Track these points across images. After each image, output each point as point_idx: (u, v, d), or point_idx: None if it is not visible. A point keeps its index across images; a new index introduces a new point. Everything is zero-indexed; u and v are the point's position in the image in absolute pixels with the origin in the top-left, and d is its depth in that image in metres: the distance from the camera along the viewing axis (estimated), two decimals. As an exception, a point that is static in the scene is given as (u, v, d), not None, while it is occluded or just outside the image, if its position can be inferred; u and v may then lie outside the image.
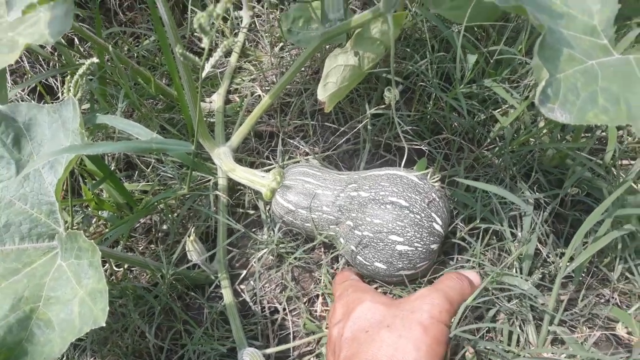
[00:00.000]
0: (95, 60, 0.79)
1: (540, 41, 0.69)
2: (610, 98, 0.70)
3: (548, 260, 1.03)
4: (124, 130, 0.83)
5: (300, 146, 1.21)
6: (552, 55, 0.72)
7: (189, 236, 0.98)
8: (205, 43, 0.60)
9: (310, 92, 1.26)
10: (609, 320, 1.03)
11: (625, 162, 1.17)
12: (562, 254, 1.04)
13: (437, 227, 0.95)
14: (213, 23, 0.59)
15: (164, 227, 1.16)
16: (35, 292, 0.73)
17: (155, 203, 1.03)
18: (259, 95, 1.26)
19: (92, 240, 0.70)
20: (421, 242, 0.93)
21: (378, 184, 0.96)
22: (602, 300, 1.05)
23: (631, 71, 0.74)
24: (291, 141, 1.23)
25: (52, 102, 1.33)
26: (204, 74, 0.66)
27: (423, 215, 0.93)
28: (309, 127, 1.20)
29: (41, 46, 1.28)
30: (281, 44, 1.41)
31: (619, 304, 1.04)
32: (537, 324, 0.99)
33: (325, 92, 0.90)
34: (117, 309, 1.03)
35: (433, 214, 0.94)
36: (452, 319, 0.81)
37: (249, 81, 1.39)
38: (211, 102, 1.33)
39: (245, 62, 1.43)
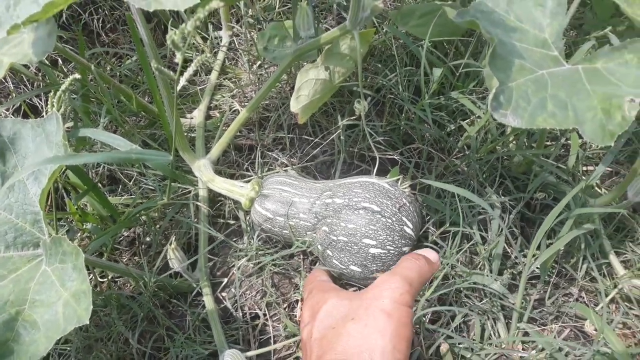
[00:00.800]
0: (77, 76, 0.84)
1: (491, 52, 0.75)
2: (559, 104, 0.76)
3: (517, 262, 1.08)
4: (106, 142, 0.87)
5: (279, 158, 1.26)
6: (504, 66, 0.78)
7: (170, 244, 1.02)
8: (178, 58, 0.65)
9: (287, 106, 1.31)
10: (577, 318, 1.08)
11: (590, 167, 1.23)
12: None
13: (408, 231, 1.00)
14: (186, 39, 0.63)
15: (147, 239, 1.20)
16: (21, 296, 0.76)
17: (138, 215, 1.07)
18: (238, 110, 1.31)
19: (75, 245, 0.74)
20: (393, 245, 0.98)
21: (351, 190, 1.01)
22: (571, 299, 1.10)
23: (578, 79, 0.80)
24: (270, 153, 1.27)
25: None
26: (179, 87, 0.71)
27: (394, 219, 0.98)
28: (286, 139, 1.24)
29: (25, 66, 1.33)
30: (259, 62, 1.47)
31: (587, 302, 1.09)
32: (507, 322, 1.04)
33: (298, 104, 0.95)
34: (101, 319, 1.05)
35: (404, 218, 0.99)
36: (415, 299, 0.83)
37: (229, 97, 1.44)
38: (192, 118, 1.38)
39: (225, 80, 1.48)
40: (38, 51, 0.91)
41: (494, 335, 1.03)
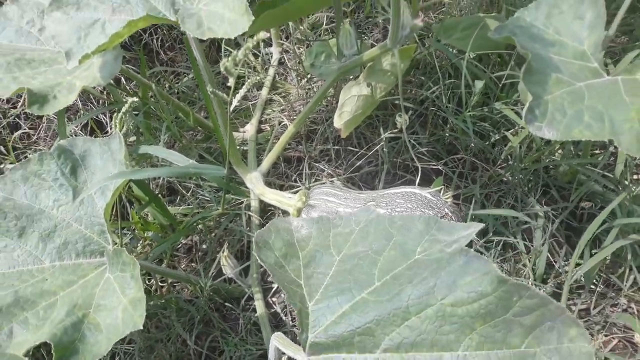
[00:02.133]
0: (135, 99, 0.92)
1: (526, 67, 0.77)
2: (595, 115, 0.77)
3: (561, 271, 1.08)
4: (165, 158, 0.95)
5: (325, 169, 1.31)
6: (540, 79, 0.80)
7: (222, 252, 1.09)
8: (231, 82, 0.71)
9: (333, 120, 1.36)
10: (626, 329, 1.07)
11: (636, 176, 1.21)
12: (575, 264, 1.09)
13: (450, 240, 1.02)
14: (237, 65, 0.69)
15: (203, 246, 1.27)
16: (88, 300, 0.85)
17: (195, 223, 1.15)
18: (287, 125, 1.37)
19: (133, 256, 0.81)
20: (435, 254, 1.01)
21: (394, 201, 1.05)
22: (619, 309, 1.09)
23: (617, 91, 0.81)
24: (317, 165, 1.33)
25: (102, 136, 1.48)
26: (231, 108, 0.77)
27: (436, 228, 1.01)
28: (332, 151, 1.29)
29: (93, 87, 1.44)
30: (308, 77, 1.53)
31: (637, 311, 1.08)
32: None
33: (341, 119, 1.00)
34: (161, 321, 1.13)
35: (446, 228, 1.02)
36: None
37: (279, 112, 1.50)
38: (245, 132, 1.45)
39: (275, 95, 1.55)
40: (105, 74, 1.01)
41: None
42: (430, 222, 0.78)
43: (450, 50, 1.20)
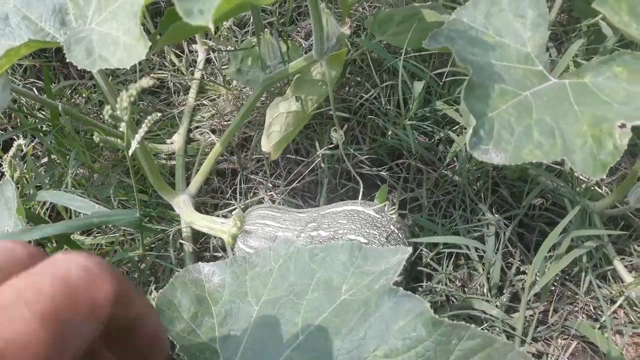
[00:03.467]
0: (22, 142, 0.79)
1: (467, 85, 0.69)
2: (545, 131, 0.70)
3: (517, 279, 1.03)
4: (66, 205, 0.82)
5: (263, 182, 1.21)
6: (482, 94, 0.72)
7: (149, 293, 0.98)
8: (123, 128, 0.59)
9: (260, 123, 1.26)
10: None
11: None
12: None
13: (399, 260, 0.95)
14: (125, 109, 0.58)
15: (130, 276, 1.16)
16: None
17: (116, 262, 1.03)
18: (212, 139, 1.25)
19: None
20: (383, 278, 0.93)
21: (336, 221, 0.96)
22: (577, 309, 1.05)
23: (565, 97, 0.74)
24: (254, 177, 1.22)
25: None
26: (130, 152, 0.66)
27: (382, 250, 0.93)
28: (267, 163, 1.19)
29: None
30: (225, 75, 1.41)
31: (593, 312, 1.04)
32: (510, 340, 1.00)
33: (270, 142, 0.89)
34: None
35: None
36: None
37: (209, 118, 1.38)
38: (172, 143, 1.32)
39: (204, 99, 1.42)
40: (-8, 108, 0.86)
41: None
42: (353, 251, 0.70)
43: (384, 49, 1.10)
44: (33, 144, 1.37)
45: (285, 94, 0.90)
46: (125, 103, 0.52)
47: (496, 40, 0.81)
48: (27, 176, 0.94)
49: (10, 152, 0.80)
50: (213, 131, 1.36)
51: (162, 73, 1.47)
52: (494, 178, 1.13)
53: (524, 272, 1.04)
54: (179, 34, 0.87)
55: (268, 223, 1.01)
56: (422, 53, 1.12)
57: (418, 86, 1.02)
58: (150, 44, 0.67)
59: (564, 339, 1.02)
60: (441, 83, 1.09)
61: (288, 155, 1.23)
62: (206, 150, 1.27)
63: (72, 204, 0.82)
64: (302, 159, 1.20)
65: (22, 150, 0.87)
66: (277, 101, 0.89)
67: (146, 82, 0.49)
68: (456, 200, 1.11)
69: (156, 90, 1.46)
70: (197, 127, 1.38)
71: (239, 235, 1.02)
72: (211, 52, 1.49)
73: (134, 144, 0.64)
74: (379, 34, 1.10)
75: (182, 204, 1.08)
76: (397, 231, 0.96)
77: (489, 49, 0.79)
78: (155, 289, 0.99)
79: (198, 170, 1.11)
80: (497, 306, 0.97)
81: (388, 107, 1.09)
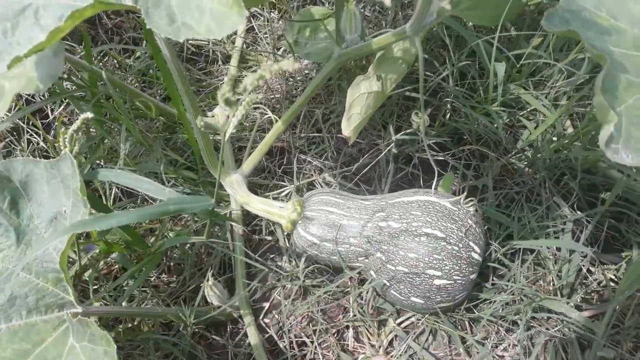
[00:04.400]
0: (89, 115, 0.70)
1: (604, 76, 0.61)
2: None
3: (589, 275, 0.97)
4: (133, 187, 0.75)
5: (315, 162, 1.13)
6: (609, 86, 0.64)
7: (207, 281, 0.92)
8: (230, 114, 0.51)
9: (319, 101, 1.18)
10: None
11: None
12: (603, 267, 0.98)
13: (476, 256, 0.89)
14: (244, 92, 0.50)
15: (175, 255, 1.09)
16: (50, 379, 0.67)
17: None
18: (269, 117, 1.17)
19: (105, 332, 0.63)
20: (460, 275, 0.87)
21: (409, 212, 0.89)
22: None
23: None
24: (304, 157, 1.15)
25: (44, 130, 1.24)
26: (226, 137, 0.58)
27: (461, 245, 0.87)
28: (327, 143, 1.11)
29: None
30: (283, 48, 1.32)
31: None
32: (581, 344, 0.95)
33: (350, 125, 0.82)
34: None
35: (471, 243, 0.88)
36: None
37: (252, 91, 1.29)
38: (213, 117, 1.24)
39: (245, 70, 1.33)
40: (44, 76, 0.78)
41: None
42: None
43: (462, 26, 1.01)
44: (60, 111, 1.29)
45: (366, 74, 0.82)
46: (251, 86, 0.44)
47: (611, 23, 0.73)
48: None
49: (75, 126, 0.71)
50: (255, 107, 1.27)
51: (201, 40, 1.38)
52: (559, 168, 1.06)
53: (590, 271, 0.98)
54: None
55: (332, 210, 0.94)
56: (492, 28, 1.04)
57: (501, 69, 0.94)
58: (246, 12, 0.59)
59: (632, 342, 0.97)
60: (518, 65, 1.01)
61: (339, 135, 1.15)
62: (245, 124, 1.19)
63: (140, 185, 0.74)
64: (357, 141, 1.13)
65: (87, 125, 0.78)
66: (358, 80, 0.81)
67: (289, 64, 0.40)
68: (525, 193, 1.04)
69: (192, 57, 1.37)
70: (239, 101, 1.30)
71: (299, 222, 0.95)
72: (252, 19, 1.39)
73: (231, 128, 0.56)
74: (452, 7, 1.02)
75: (236, 184, 1.01)
76: (474, 226, 0.89)
77: (604, 34, 0.71)
78: (212, 274, 0.92)
79: (253, 148, 1.03)
80: (576, 308, 0.92)
81: (458, 88, 1.01)
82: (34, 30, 0.72)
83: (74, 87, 1.15)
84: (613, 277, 0.99)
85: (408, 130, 0.95)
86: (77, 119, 1.27)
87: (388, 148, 0.98)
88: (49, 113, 1.32)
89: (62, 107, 1.31)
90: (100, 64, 1.30)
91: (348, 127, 0.81)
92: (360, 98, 0.81)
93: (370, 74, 0.81)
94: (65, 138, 0.73)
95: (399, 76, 0.86)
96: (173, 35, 0.62)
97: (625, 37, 0.72)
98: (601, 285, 0.97)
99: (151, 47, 0.82)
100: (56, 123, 1.29)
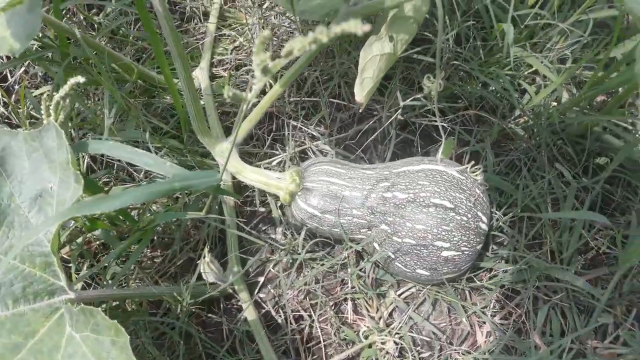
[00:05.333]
0: (80, 79, 0.62)
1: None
2: None
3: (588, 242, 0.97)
4: (129, 161, 0.68)
5: (306, 129, 1.08)
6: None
7: (203, 257, 0.86)
8: (259, 80, 0.45)
9: (311, 64, 1.11)
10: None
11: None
12: (600, 231, 0.98)
13: (483, 226, 0.86)
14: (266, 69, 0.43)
15: (159, 229, 1.02)
16: (49, 374, 0.60)
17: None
18: (242, 65, 1.09)
19: (115, 322, 0.58)
20: (468, 245, 0.85)
21: (416, 182, 0.86)
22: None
23: None
24: (295, 123, 1.09)
25: (5, 92, 1.12)
26: (247, 105, 0.52)
27: (470, 216, 0.84)
28: (326, 114, 1.05)
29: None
30: (267, 3, 1.23)
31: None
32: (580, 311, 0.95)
33: (363, 89, 0.76)
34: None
35: (479, 213, 0.85)
36: None
37: (232, 51, 1.21)
38: (194, 79, 1.15)
39: (224, 27, 1.24)
40: (20, 34, 0.69)
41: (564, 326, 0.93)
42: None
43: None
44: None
45: (379, 34, 0.76)
46: (299, 51, 0.38)
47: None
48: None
49: (62, 92, 0.63)
50: (237, 67, 1.19)
51: (178, -2, 1.27)
52: (557, 133, 1.04)
53: (595, 247, 0.98)
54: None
55: (333, 180, 0.89)
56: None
57: (510, 30, 0.90)
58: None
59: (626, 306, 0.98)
60: (522, 26, 0.97)
61: (332, 100, 1.09)
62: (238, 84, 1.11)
63: (138, 159, 0.67)
64: (347, 104, 1.07)
65: (76, 89, 0.70)
66: (371, 41, 0.75)
67: (357, 25, 0.35)
68: (523, 158, 1.02)
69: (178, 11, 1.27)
70: (220, 62, 1.21)
71: (298, 193, 0.90)
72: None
73: (253, 96, 0.49)
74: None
75: (227, 153, 0.94)
76: (482, 195, 0.87)
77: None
78: (208, 249, 0.86)
79: (245, 115, 0.96)
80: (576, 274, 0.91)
81: (459, 50, 0.97)
82: (7, -19, 0.62)
83: (39, 47, 1.04)
84: (610, 244, 0.99)
85: (418, 95, 0.90)
86: (39, 83, 1.17)
87: (396, 114, 0.93)
88: (8, 76, 1.20)
89: (22, 69, 1.20)
90: (65, 20, 1.18)
91: (361, 92, 0.76)
92: (373, 60, 0.75)
93: (382, 35, 0.75)
94: (49, 106, 0.64)
95: (410, 36, 0.80)
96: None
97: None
98: (600, 252, 0.98)
99: (136, 2, 0.73)
100: (17, 87, 1.18)
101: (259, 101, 0.95)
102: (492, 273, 0.96)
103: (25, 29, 0.69)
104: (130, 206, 1.01)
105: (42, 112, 0.66)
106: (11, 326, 0.65)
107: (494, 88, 0.99)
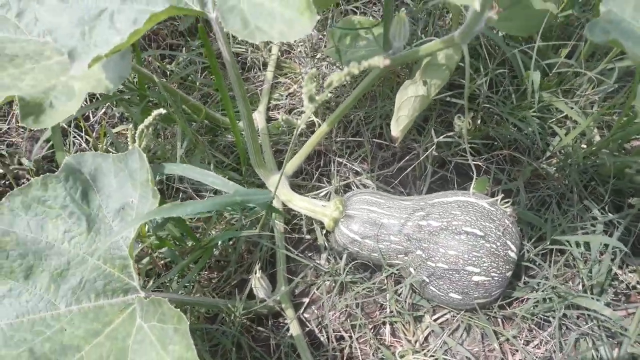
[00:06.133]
0: (162, 111, 0.76)
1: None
2: None
3: (621, 279, 1.01)
4: (199, 181, 0.80)
5: (351, 165, 1.18)
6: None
7: (255, 273, 0.96)
8: (309, 109, 0.56)
9: (354, 107, 1.23)
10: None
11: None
12: (632, 268, 1.02)
13: (512, 255, 0.93)
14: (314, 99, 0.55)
15: (216, 252, 1.13)
16: (120, 357, 0.71)
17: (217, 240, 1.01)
18: (298, 110, 1.22)
19: (178, 310, 0.68)
20: (498, 271, 0.91)
21: (449, 212, 0.94)
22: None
23: None
24: (340, 160, 1.20)
25: (89, 130, 1.30)
26: (298, 130, 0.63)
27: (499, 244, 0.91)
28: (367, 148, 1.16)
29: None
30: (319, 55, 1.37)
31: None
32: (611, 342, 0.98)
33: (399, 125, 0.87)
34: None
35: (508, 242, 0.92)
36: None
37: (287, 97, 1.35)
38: (253, 120, 1.29)
39: (280, 76, 1.39)
40: (113, 76, 0.84)
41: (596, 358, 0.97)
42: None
43: (496, 33, 1.07)
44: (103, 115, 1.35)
45: (413, 79, 0.87)
46: (337, 82, 0.49)
47: (648, 33, 0.78)
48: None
49: (146, 122, 0.77)
50: (290, 110, 1.33)
51: (240, 47, 1.44)
52: (589, 174, 1.11)
53: (624, 281, 1.02)
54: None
55: (372, 209, 0.99)
56: (525, 38, 1.09)
57: (537, 77, 0.99)
58: (317, 17, 0.65)
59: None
60: (550, 74, 1.06)
61: (375, 140, 1.20)
62: (283, 129, 1.24)
63: (206, 179, 0.79)
64: (388, 144, 1.18)
65: (157, 121, 0.83)
66: (406, 85, 0.86)
67: (380, 61, 0.46)
68: (555, 196, 1.09)
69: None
70: (275, 106, 1.35)
71: (341, 220, 1.00)
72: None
73: (302, 124, 0.61)
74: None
75: (279, 184, 1.06)
76: (511, 225, 0.94)
77: (643, 43, 0.76)
78: (260, 267, 0.97)
79: (295, 150, 1.08)
80: (606, 306, 0.96)
81: (493, 95, 1.06)
82: (109, 32, 0.77)
83: (119, 91, 1.21)
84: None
85: (450, 133, 1.00)
86: (116, 122, 1.34)
87: (430, 150, 1.03)
88: (90, 116, 1.38)
89: (102, 110, 1.37)
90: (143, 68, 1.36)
91: (397, 128, 0.87)
92: (408, 101, 0.86)
93: (417, 79, 0.87)
94: (134, 134, 0.78)
95: (442, 81, 0.91)
96: (249, 37, 0.67)
97: (660, 47, 0.77)
98: (630, 286, 1.01)
99: (207, 51, 0.87)
100: (97, 125, 1.35)
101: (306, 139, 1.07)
102: (525, 302, 1.02)
103: (118, 72, 0.83)
104: (194, 227, 1.13)
105: (128, 139, 0.80)
106: (93, 316, 0.76)
107: (525, 131, 1.07)
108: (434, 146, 1.01)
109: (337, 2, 1.30)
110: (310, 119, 1.24)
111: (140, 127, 0.78)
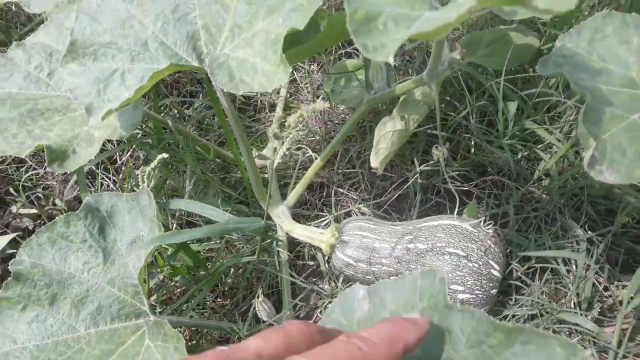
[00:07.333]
0: (165, 155, 0.87)
1: (585, 110, 0.73)
2: (657, 153, 0.74)
3: (605, 292, 1.05)
4: (199, 213, 0.91)
5: (350, 194, 1.27)
6: (595, 117, 0.76)
7: (257, 297, 1.05)
8: (277, 145, 0.66)
9: (354, 140, 1.32)
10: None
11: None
12: (619, 283, 1.07)
13: (495, 273, 0.99)
14: (288, 128, 0.65)
15: (228, 280, 1.23)
16: (130, 374, 0.81)
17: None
18: (310, 155, 1.32)
19: (177, 330, 0.77)
20: (481, 289, 0.98)
21: (434, 235, 1.01)
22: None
23: (674, 122, 0.77)
24: (341, 190, 1.29)
25: (115, 171, 1.43)
26: (274, 165, 0.73)
27: (481, 263, 0.98)
28: (360, 177, 1.25)
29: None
30: (322, 96, 1.48)
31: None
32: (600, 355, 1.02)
33: (377, 158, 0.95)
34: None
35: (490, 261, 0.99)
36: None
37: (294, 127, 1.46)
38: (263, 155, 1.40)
39: (289, 115, 1.50)
40: (126, 125, 0.96)
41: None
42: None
43: (476, 70, 1.15)
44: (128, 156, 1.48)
45: (391, 114, 0.96)
46: (293, 123, 0.59)
47: (601, 65, 0.85)
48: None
49: (152, 165, 0.88)
50: (298, 148, 1.43)
51: (250, 92, 1.56)
52: (578, 195, 1.16)
53: (610, 296, 1.06)
54: (294, 58, 0.94)
55: (365, 234, 1.07)
56: (508, 72, 1.17)
57: (512, 106, 1.06)
58: (290, 69, 0.75)
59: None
60: (530, 103, 1.13)
61: (373, 171, 1.29)
62: (290, 163, 1.34)
63: (205, 212, 0.90)
64: (388, 174, 1.26)
65: (166, 165, 0.95)
66: (384, 120, 0.95)
67: (321, 105, 0.55)
68: (543, 217, 1.14)
69: (243, 107, 1.55)
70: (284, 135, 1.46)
71: (337, 245, 1.08)
72: (294, 72, 1.57)
73: (278, 157, 0.71)
74: (468, 55, 1.16)
75: (282, 214, 1.15)
76: (493, 245, 1.00)
77: (595, 74, 0.84)
78: (264, 292, 1.06)
79: (296, 182, 1.18)
80: (593, 321, 1.00)
81: (477, 125, 1.14)
82: (120, 89, 0.89)
83: (141, 134, 1.35)
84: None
85: (430, 162, 1.08)
86: (141, 164, 1.47)
87: (414, 178, 1.11)
88: (117, 159, 1.52)
89: (128, 153, 1.51)
90: (163, 114, 1.49)
91: (376, 160, 0.95)
92: (386, 135, 0.95)
93: (394, 115, 0.96)
94: (143, 175, 0.89)
95: (420, 116, 1.00)
96: (233, 89, 0.78)
97: (612, 76, 0.84)
98: (618, 301, 1.05)
99: (212, 99, 0.99)
100: (124, 167, 1.48)
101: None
102: (513, 319, 1.07)
103: (131, 121, 0.96)
104: (208, 257, 1.24)
105: (139, 180, 0.91)
106: (108, 337, 0.87)
107: (515, 157, 1.14)
108: (417, 175, 1.09)
109: (313, 56, 1.41)
110: (309, 154, 1.34)
111: (147, 169, 0.89)
